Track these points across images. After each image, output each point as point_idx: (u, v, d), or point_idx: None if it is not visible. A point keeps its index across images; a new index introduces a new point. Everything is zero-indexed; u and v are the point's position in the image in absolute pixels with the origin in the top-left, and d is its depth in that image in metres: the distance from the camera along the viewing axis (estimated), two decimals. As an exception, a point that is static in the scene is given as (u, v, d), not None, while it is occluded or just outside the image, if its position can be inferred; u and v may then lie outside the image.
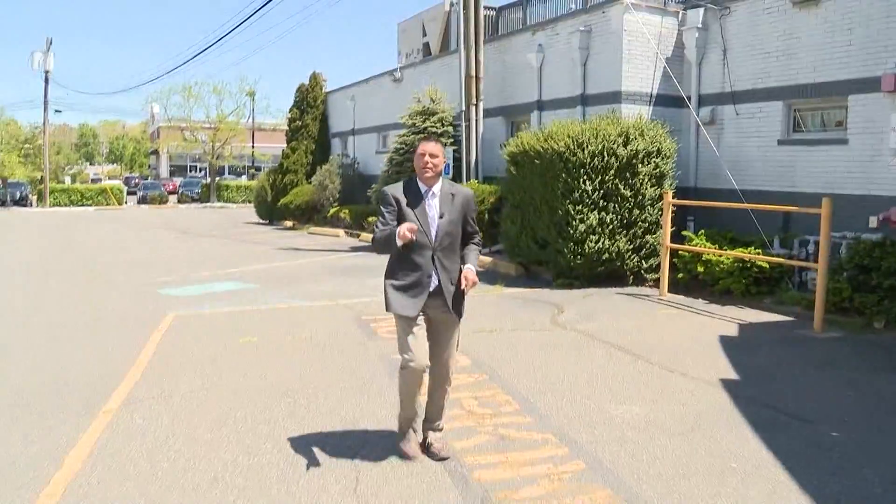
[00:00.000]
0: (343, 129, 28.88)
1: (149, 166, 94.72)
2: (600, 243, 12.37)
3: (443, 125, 18.90)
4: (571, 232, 12.37)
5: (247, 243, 21.81)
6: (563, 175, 12.44)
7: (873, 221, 11.34)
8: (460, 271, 5.11)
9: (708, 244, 12.11)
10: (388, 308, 5.12)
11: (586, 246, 12.31)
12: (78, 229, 28.36)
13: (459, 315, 5.25)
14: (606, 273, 12.74)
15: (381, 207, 5.11)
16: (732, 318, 10.45)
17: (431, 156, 5.03)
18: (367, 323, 9.91)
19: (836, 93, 12.10)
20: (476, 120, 17.64)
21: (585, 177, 12.39)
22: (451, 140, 18.59)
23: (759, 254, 11.47)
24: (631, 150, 12.48)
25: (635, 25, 14.22)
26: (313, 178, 26.87)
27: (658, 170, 12.75)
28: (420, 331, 5.12)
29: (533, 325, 9.89)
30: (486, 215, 15.74)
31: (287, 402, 6.60)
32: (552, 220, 12.66)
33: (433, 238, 5.02)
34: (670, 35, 14.70)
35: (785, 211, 11.73)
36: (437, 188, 5.11)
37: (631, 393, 6.86)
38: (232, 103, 58.14)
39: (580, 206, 12.39)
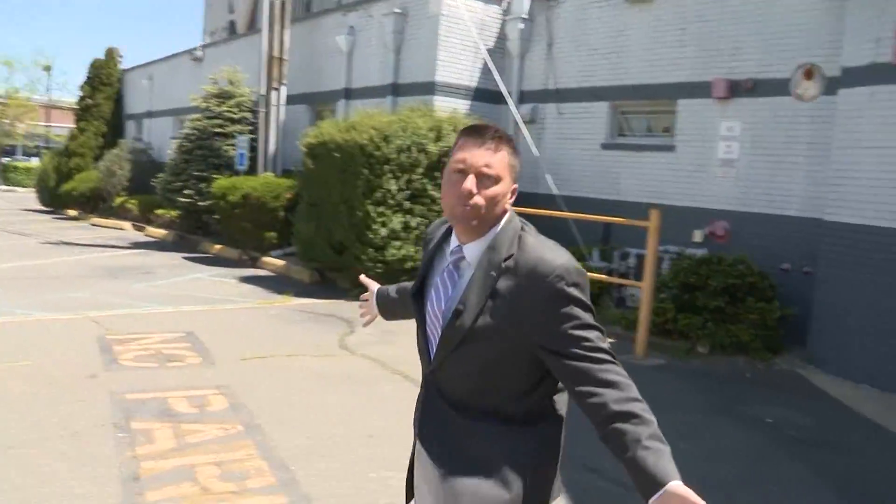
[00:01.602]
0: (139, 111, 26.35)
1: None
2: (404, 250, 10.89)
3: (241, 110, 16.97)
4: (372, 236, 10.82)
5: (12, 235, 18.89)
6: (366, 171, 10.88)
7: (698, 235, 10.53)
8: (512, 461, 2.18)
9: (524, 255, 10.88)
10: None
11: (388, 252, 10.79)
12: None
13: None
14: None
15: None
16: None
17: (483, 177, 2.13)
18: (110, 345, 7.93)
19: (665, 96, 11.18)
20: (277, 105, 15.81)
21: (390, 174, 10.90)
22: (250, 128, 16.70)
23: (577, 268, 10.33)
24: (443, 147, 11.09)
25: (455, 11, 12.86)
26: (100, 164, 24.12)
27: (472, 170, 11.42)
28: None
29: (318, 348, 8.24)
30: (282, 212, 13.99)
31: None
32: (351, 221, 11.06)
33: (430, 350, 2.32)
34: (494, 24, 13.46)
35: (608, 221, 10.67)
36: (473, 249, 2.20)
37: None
38: (24, 77, 53.41)
39: (383, 208, 10.87)
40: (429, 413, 2.32)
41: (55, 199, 26.11)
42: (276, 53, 15.71)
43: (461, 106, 12.91)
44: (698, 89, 10.60)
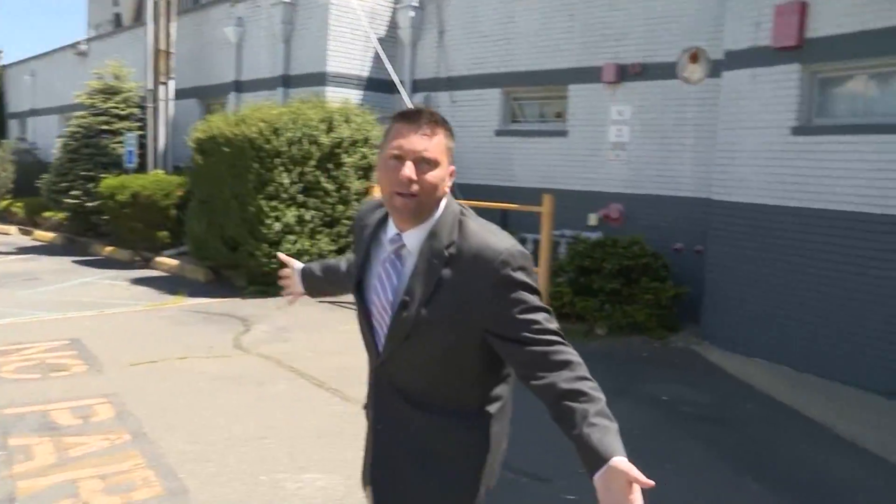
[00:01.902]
0: (21, 110, 25.31)
1: None
2: (299, 244, 10.64)
3: (128, 106, 16.29)
4: (265, 231, 10.54)
5: None
6: (256, 165, 10.59)
7: (593, 219, 10.63)
8: (468, 445, 2.23)
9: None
10: None
11: (283, 247, 10.50)
12: None
13: None
14: (307, 278, 11.00)
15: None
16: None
17: (422, 162, 2.08)
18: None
19: (555, 81, 11.21)
20: (165, 100, 15.28)
21: (282, 167, 10.63)
22: (139, 125, 16.11)
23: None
24: (335, 138, 10.90)
25: (345, 0, 12.65)
26: (-19, 166, 23.07)
27: (365, 160, 11.25)
28: None
29: (211, 349, 7.96)
30: (174, 210, 13.56)
31: None
32: (243, 217, 10.76)
33: (377, 342, 2.24)
34: (384, 13, 13.30)
35: (503, 208, 10.65)
36: (414, 236, 2.14)
37: (318, 453, 5.17)
38: None
39: (276, 202, 10.59)
40: (381, 405, 2.27)
41: (-66, 205, 24.86)
42: (162, 46, 15.17)
43: (354, 96, 12.73)
44: (588, 74, 10.67)
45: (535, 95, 11.83)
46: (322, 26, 12.78)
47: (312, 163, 10.81)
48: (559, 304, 9.18)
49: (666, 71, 9.88)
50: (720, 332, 8.52)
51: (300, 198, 10.80)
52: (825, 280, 7.47)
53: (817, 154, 7.57)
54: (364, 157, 11.23)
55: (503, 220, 11.42)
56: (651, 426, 5.98)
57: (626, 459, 1.80)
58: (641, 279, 8.97)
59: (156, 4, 15.16)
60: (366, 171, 11.29)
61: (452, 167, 2.17)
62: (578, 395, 1.93)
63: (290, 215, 10.64)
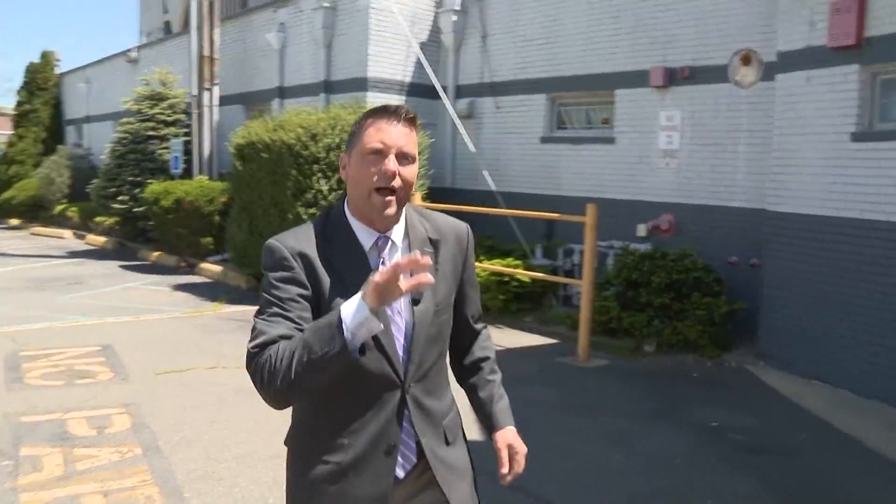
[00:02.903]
0: (77, 116, 25.51)
1: None
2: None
3: (174, 112, 16.40)
4: (303, 240, 10.31)
5: (-57, 247, 18.14)
6: (294, 172, 10.39)
7: (642, 230, 10.19)
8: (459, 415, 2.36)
9: (462, 254, 10.46)
10: None
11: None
12: None
13: None
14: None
15: (271, 288, 2.03)
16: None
17: (402, 157, 2.06)
18: (20, 362, 7.45)
19: (602, 86, 10.80)
20: (210, 106, 15.20)
21: (320, 174, 10.41)
22: (185, 131, 16.09)
23: (519, 265, 9.96)
24: (375, 145, 10.61)
25: (385, 3, 12.38)
26: (38, 171, 23.37)
27: (405, 168, 10.95)
28: None
29: (241, 359, 7.70)
30: (217, 217, 13.46)
31: None
32: (282, 224, 10.51)
33: (402, 358, 2.11)
34: (426, 17, 13.00)
35: (547, 218, 10.28)
36: (397, 232, 2.15)
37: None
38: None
39: (314, 209, 10.36)
40: (416, 418, 2.15)
41: (-4, 208, 25.28)
42: (206, 53, 15.10)
43: (396, 102, 12.43)
44: (636, 78, 10.25)
45: (581, 101, 11.43)
46: (363, 31, 12.54)
47: (352, 170, 10.53)
48: (605, 318, 8.82)
49: (716, 74, 9.41)
50: (777, 351, 8.04)
51: (338, 206, 10.55)
52: (889, 297, 6.95)
53: (879, 161, 7.05)
54: (405, 164, 10.94)
55: (548, 230, 11.07)
56: (694, 455, 5.57)
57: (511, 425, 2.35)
58: (693, 294, 8.51)
59: (200, 11, 15.10)
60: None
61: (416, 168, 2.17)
62: (491, 361, 2.44)
63: (328, 224, 10.38)
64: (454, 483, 2.21)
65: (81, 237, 19.69)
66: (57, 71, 26.83)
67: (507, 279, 9.86)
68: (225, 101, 15.80)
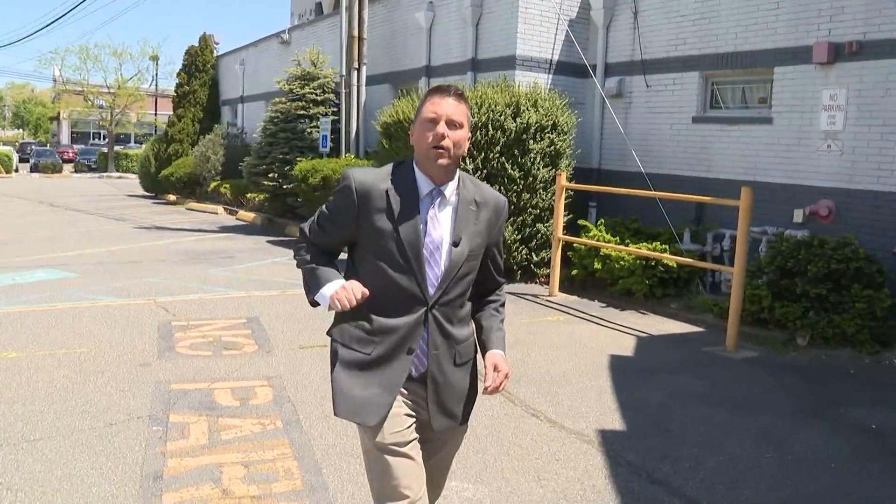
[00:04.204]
0: (233, 96, 26.52)
1: (52, 133, 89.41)
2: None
3: (324, 92, 16.81)
4: (446, 219, 10.32)
5: (110, 220, 19.19)
6: (439, 150, 10.38)
7: (798, 215, 9.65)
8: (474, 346, 2.95)
9: (608, 236, 10.23)
10: (335, 410, 2.77)
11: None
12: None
13: (464, 420, 2.93)
14: (490, 268, 10.71)
15: (328, 206, 2.82)
16: (630, 327, 8.64)
17: (451, 124, 2.65)
18: (172, 331, 7.75)
19: (760, 64, 10.27)
20: (357, 86, 15.44)
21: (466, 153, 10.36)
22: (333, 110, 16.43)
23: (665, 249, 9.64)
24: (521, 124, 10.47)
25: (535, -20, 12.20)
26: (195, 149, 24.43)
27: (553, 147, 10.77)
28: (413, 450, 2.76)
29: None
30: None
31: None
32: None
33: (432, 283, 2.72)
34: (576, -6, 12.73)
35: (697, 201, 9.89)
36: (450, 188, 2.73)
37: (473, 458, 4.83)
38: (133, 67, 54.75)
39: (457, 187, 10.35)
40: (435, 333, 2.76)
41: (156, 185, 26.66)
42: (355, 33, 15.34)
43: (543, 80, 12.24)
44: (797, 55, 9.68)
45: (736, 79, 10.91)
46: (511, 9, 12.38)
47: (497, 149, 10.46)
48: (756, 307, 8.42)
49: (888, 49, 8.76)
50: (945, 348, 7.48)
51: (483, 185, 10.49)
52: None
53: None
54: (552, 143, 10.75)
55: (698, 214, 10.69)
56: (851, 459, 5.19)
57: (501, 351, 2.91)
58: (853, 286, 8.00)
59: (350, -9, 15.32)
60: (553, 159, 10.82)
61: (470, 134, 2.77)
62: (501, 305, 3.05)
63: (473, 203, 10.35)
64: (452, 388, 2.85)
65: (233, 213, 20.46)
66: (214, 54, 27.91)
67: (653, 263, 9.58)
68: (372, 80, 16.00)
